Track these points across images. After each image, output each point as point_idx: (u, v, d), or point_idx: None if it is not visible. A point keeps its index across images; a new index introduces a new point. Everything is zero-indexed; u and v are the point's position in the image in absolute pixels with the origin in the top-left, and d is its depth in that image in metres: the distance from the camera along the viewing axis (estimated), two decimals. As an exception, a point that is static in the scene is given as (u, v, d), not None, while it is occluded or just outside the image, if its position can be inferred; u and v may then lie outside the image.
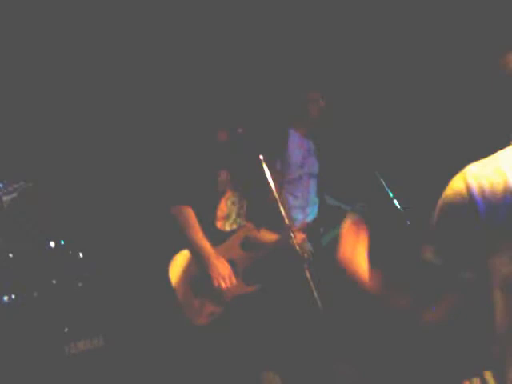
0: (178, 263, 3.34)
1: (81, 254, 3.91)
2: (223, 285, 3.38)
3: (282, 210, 3.30)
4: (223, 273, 3.37)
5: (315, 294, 3.19)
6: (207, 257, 3.37)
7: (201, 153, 3.46)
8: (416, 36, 4.59)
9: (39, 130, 4.05)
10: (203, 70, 4.30)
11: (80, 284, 3.83)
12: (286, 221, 3.33)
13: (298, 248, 3.32)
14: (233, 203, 3.64)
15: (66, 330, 3.65)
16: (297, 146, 4.48)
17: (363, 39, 4.75)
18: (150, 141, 4.18)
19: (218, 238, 3.52)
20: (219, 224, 3.58)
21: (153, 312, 3.39)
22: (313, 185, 4.59)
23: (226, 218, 3.61)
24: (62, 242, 3.85)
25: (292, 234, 3.44)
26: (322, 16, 4.68)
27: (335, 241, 4.72)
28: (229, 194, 3.62)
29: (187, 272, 3.35)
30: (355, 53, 4.76)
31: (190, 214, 3.37)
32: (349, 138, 4.71)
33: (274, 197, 3.26)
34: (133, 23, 4.23)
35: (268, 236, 3.68)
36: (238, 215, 3.67)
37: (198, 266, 3.37)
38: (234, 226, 3.66)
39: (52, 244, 3.84)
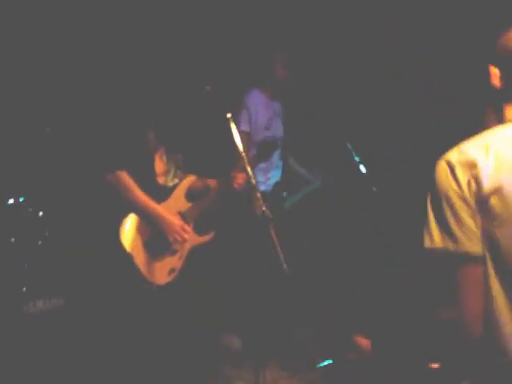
0: (129, 228, 3.28)
1: (41, 212, 3.80)
2: (178, 237, 3.35)
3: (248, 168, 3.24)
4: (175, 226, 3.33)
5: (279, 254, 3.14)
6: (155, 214, 3.33)
7: (124, 114, 3.40)
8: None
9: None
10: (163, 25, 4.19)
11: (40, 242, 3.73)
12: (252, 180, 3.26)
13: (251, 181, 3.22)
14: (168, 158, 3.62)
15: (24, 289, 3.56)
16: (262, 108, 4.43)
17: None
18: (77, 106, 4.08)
19: (162, 193, 3.50)
20: (161, 180, 3.56)
21: (111, 273, 3.31)
22: (277, 148, 4.54)
23: (166, 173, 3.59)
24: (21, 200, 3.74)
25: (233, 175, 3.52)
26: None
27: (297, 206, 4.79)
28: (161, 149, 3.57)
29: (139, 235, 3.30)
30: (329, 12, 4.70)
31: (126, 178, 3.30)
32: (317, 100, 4.68)
33: (242, 156, 3.20)
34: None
35: (210, 183, 3.71)
36: (177, 168, 3.65)
37: (149, 227, 3.32)
38: (176, 180, 3.64)
39: (11, 201, 3.73)
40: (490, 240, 1.61)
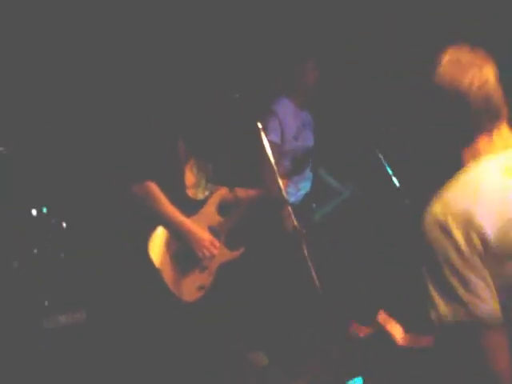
0: (157, 242, 3.14)
1: (64, 224, 3.70)
2: (206, 252, 3.21)
3: (279, 181, 3.11)
4: (204, 241, 3.20)
5: (311, 270, 3.01)
6: (183, 228, 3.19)
7: (154, 122, 3.27)
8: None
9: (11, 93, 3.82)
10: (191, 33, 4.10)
11: (62, 255, 3.62)
12: (283, 193, 3.13)
13: (282, 195, 3.10)
14: (199, 170, 3.47)
15: (46, 303, 3.45)
16: (291, 117, 4.30)
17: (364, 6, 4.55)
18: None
19: (192, 207, 3.35)
20: (191, 193, 3.40)
21: (138, 288, 3.17)
22: (307, 158, 4.40)
23: (196, 185, 3.44)
24: (45, 210, 3.64)
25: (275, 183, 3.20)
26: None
27: (327, 217, 4.64)
28: (192, 161, 3.43)
29: (168, 249, 3.16)
30: (356, 21, 4.57)
31: (155, 189, 3.16)
32: (348, 111, 4.53)
33: (272, 167, 3.07)
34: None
35: (244, 193, 3.56)
36: (208, 180, 3.51)
37: (178, 242, 3.18)
38: (207, 193, 3.48)
39: (34, 212, 3.63)
40: (506, 290, 1.41)
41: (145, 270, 3.08)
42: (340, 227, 4.81)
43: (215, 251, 3.24)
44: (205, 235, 3.23)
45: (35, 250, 3.50)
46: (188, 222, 3.20)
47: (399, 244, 4.48)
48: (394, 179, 4.21)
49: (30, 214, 3.62)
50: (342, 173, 4.73)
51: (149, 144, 3.20)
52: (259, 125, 3.21)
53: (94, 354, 3.52)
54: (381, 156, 4.22)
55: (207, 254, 3.20)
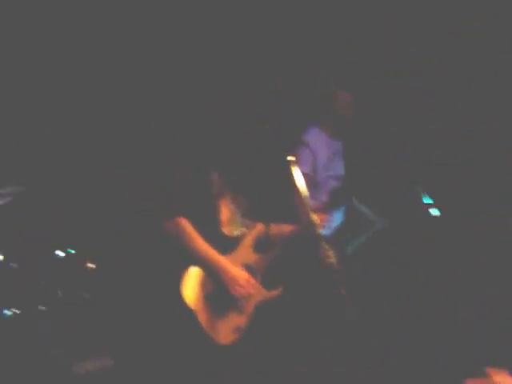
0: (190, 282, 2.97)
1: (90, 265, 3.58)
2: (242, 292, 3.04)
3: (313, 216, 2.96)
4: (239, 280, 3.03)
5: (347, 306, 2.85)
6: (217, 266, 3.02)
7: (186, 155, 3.13)
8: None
9: (36, 132, 3.75)
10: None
11: (87, 296, 3.49)
12: (318, 229, 2.98)
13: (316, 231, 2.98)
14: (233, 204, 3.30)
15: (72, 347, 3.31)
16: (323, 146, 4.15)
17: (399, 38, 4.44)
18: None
19: (227, 244, 3.16)
20: (226, 230, 3.22)
21: (169, 331, 3.01)
22: (338, 189, 4.24)
23: (231, 221, 3.27)
24: (72, 251, 3.53)
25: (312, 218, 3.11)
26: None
27: (360, 250, 4.45)
28: (227, 195, 3.27)
29: (202, 289, 2.99)
30: (391, 51, 4.44)
31: (187, 226, 3.01)
32: (383, 140, 4.39)
33: (305, 201, 2.92)
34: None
35: (280, 230, 3.36)
36: (243, 216, 3.33)
37: (212, 280, 3.02)
38: (243, 229, 3.30)
39: (59, 253, 3.51)
40: None
41: (178, 311, 2.93)
42: (375, 260, 4.61)
43: (251, 290, 3.07)
44: (240, 273, 3.07)
45: (59, 292, 3.36)
46: (222, 260, 3.05)
47: (439, 279, 4.29)
48: (434, 209, 4.04)
49: (56, 255, 3.50)
50: (375, 203, 4.56)
51: (179, 178, 3.06)
52: (291, 158, 3.08)
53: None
54: (417, 185, 4.06)
55: (243, 293, 3.04)
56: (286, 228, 3.36)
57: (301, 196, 2.99)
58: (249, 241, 3.24)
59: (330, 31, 4.49)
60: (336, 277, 2.84)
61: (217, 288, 3.03)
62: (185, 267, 2.96)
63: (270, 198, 3.62)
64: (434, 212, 4.01)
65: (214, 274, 3.01)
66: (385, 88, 4.47)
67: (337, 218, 4.28)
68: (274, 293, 3.22)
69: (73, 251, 3.50)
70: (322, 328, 3.69)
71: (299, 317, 3.69)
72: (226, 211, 3.23)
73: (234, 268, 3.05)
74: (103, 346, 3.44)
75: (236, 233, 3.24)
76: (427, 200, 4.04)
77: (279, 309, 3.28)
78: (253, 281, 3.08)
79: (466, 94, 4.27)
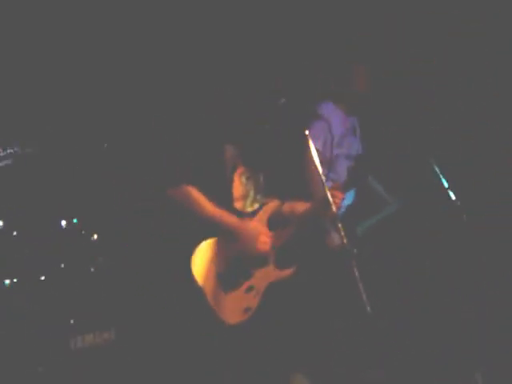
0: (200, 258, 2.85)
1: (95, 236, 3.46)
2: (267, 246, 2.95)
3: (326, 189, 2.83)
4: (259, 234, 2.94)
5: (361, 292, 2.71)
6: (234, 227, 2.93)
7: (201, 125, 3.00)
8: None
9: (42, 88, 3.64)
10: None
11: (92, 269, 3.38)
12: (333, 208, 2.84)
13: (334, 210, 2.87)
14: (248, 179, 3.18)
15: (71, 321, 3.20)
16: (337, 123, 3.98)
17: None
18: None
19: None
20: (238, 205, 3.10)
21: (177, 308, 2.90)
22: (350, 167, 4.09)
23: (244, 197, 3.14)
24: (75, 221, 3.41)
25: (328, 198, 2.91)
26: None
27: (371, 232, 4.29)
28: (241, 169, 3.15)
29: (213, 267, 2.87)
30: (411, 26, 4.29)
31: (195, 193, 2.90)
32: (400, 117, 4.22)
33: (320, 177, 2.79)
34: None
35: (296, 207, 3.24)
36: (257, 192, 3.21)
37: (225, 258, 2.89)
38: (256, 205, 3.18)
39: (63, 223, 3.39)
40: None
41: (186, 287, 2.81)
42: (385, 244, 4.46)
43: (270, 243, 2.98)
44: (259, 228, 2.98)
45: (62, 265, 3.25)
46: (235, 220, 2.94)
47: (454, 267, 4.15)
48: (451, 192, 3.88)
49: (60, 224, 3.38)
50: (392, 184, 4.40)
51: (189, 146, 2.93)
52: (307, 132, 2.94)
53: (124, 376, 3.26)
54: (436, 166, 3.90)
55: (266, 247, 2.93)
56: (300, 206, 3.24)
57: (316, 172, 2.85)
58: (262, 217, 3.11)
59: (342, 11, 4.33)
60: (350, 260, 2.70)
61: (230, 266, 2.91)
62: (196, 242, 2.84)
63: (284, 174, 3.49)
64: (453, 195, 3.84)
65: (229, 236, 2.91)
66: (403, 64, 4.31)
67: (348, 198, 4.14)
68: (287, 272, 3.09)
69: (75, 221, 3.37)
70: (333, 311, 3.57)
71: (310, 298, 3.56)
72: (239, 186, 3.11)
73: (251, 224, 2.96)
74: (107, 321, 3.33)
75: (249, 209, 3.12)
76: (446, 183, 3.86)
77: (291, 289, 3.15)
78: (269, 234, 2.98)
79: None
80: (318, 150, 3.74)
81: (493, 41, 4.15)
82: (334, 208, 2.87)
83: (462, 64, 4.25)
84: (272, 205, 3.16)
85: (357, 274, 2.72)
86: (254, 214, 3.12)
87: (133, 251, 3.51)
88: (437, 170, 3.88)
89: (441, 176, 3.88)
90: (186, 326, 2.94)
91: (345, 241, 2.77)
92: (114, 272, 3.45)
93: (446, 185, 3.87)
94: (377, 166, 4.33)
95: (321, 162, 3.70)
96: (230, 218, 2.94)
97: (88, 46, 3.88)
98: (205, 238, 2.88)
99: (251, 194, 3.16)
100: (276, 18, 4.12)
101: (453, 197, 3.86)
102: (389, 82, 4.15)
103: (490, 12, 4.11)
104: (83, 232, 3.42)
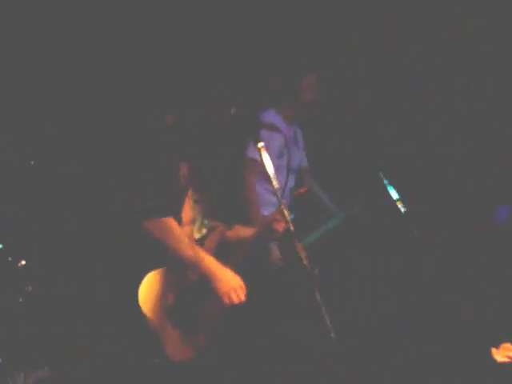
0: (148, 288, 2.59)
1: (23, 261, 3.13)
2: (235, 299, 2.68)
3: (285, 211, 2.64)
4: (233, 284, 2.67)
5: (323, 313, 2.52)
6: (209, 269, 2.67)
7: (155, 145, 2.73)
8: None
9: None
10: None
11: (20, 299, 3.04)
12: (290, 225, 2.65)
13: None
14: (195, 202, 2.95)
15: None
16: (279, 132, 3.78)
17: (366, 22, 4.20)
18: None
19: None
20: (186, 231, 2.86)
21: (117, 340, 2.63)
22: (291, 179, 3.90)
23: (192, 222, 2.90)
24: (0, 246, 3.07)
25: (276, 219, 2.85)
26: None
27: (315, 246, 4.10)
28: (190, 191, 2.93)
29: (162, 298, 2.61)
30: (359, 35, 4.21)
31: (174, 225, 2.65)
32: (347, 128, 4.09)
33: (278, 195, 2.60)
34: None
35: (244, 231, 3.04)
36: (204, 216, 2.97)
37: (174, 290, 2.65)
38: (204, 231, 2.97)
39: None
40: None
41: (132, 318, 2.54)
42: (331, 259, 4.27)
43: (243, 298, 2.71)
44: (235, 279, 2.71)
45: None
46: (214, 262, 2.69)
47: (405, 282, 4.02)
48: (400, 204, 3.75)
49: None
50: (336, 193, 4.24)
51: (152, 170, 2.66)
52: (260, 144, 2.73)
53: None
54: (383, 176, 3.76)
55: (237, 301, 2.68)
56: (244, 231, 3.03)
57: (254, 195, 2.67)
58: (211, 244, 2.88)
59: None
60: (312, 282, 2.51)
61: (179, 300, 2.65)
62: (141, 271, 2.57)
63: (229, 196, 3.27)
64: (402, 207, 3.71)
65: (203, 276, 2.65)
66: (350, 70, 4.20)
67: (290, 211, 3.94)
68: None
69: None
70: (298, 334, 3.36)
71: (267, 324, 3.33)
72: (188, 209, 2.86)
73: (228, 272, 2.70)
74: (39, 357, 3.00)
75: (197, 235, 2.89)
76: (394, 194, 3.73)
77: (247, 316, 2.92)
78: (244, 288, 2.73)
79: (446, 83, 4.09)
80: (254, 160, 3.56)
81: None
82: (278, 233, 2.79)
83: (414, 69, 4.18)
84: (218, 231, 2.94)
85: (318, 297, 2.54)
86: (201, 240, 2.91)
87: (69, 278, 3.19)
88: (385, 181, 3.76)
89: (389, 187, 3.76)
90: (130, 360, 2.68)
91: (305, 262, 2.58)
92: (44, 302, 3.11)
93: (395, 196, 3.75)
94: (321, 176, 4.16)
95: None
96: (210, 260, 2.70)
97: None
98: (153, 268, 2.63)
99: (199, 218, 2.93)
100: (224, 26, 3.92)
101: (402, 209, 3.75)
102: (336, 90, 4.00)
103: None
104: (9, 258, 3.07)
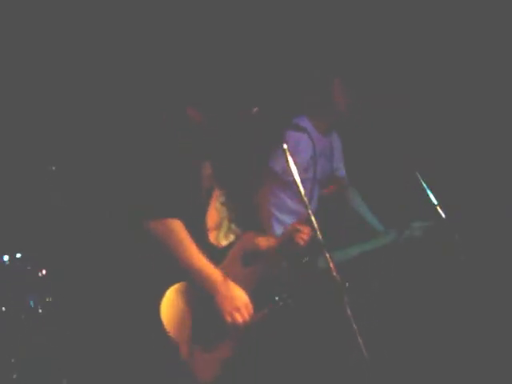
0: (171, 302, 2.41)
1: (44, 271, 3.02)
2: (239, 319, 2.46)
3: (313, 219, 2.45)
4: (237, 302, 2.46)
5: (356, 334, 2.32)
6: (212, 282, 2.45)
7: (176, 142, 2.55)
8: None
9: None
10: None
11: (40, 310, 2.92)
12: (318, 234, 2.46)
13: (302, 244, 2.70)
14: (222, 205, 2.75)
15: (14, 376, 2.74)
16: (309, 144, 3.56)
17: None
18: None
19: (214, 256, 2.56)
20: (212, 237, 2.66)
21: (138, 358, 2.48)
22: (315, 191, 3.64)
23: (219, 227, 2.70)
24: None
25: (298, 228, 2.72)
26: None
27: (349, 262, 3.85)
28: (216, 192, 2.72)
29: (185, 313, 2.42)
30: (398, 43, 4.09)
31: (180, 228, 2.45)
32: (382, 136, 3.89)
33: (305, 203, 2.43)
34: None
35: (268, 241, 2.82)
36: (232, 221, 2.78)
37: (200, 302, 2.46)
38: (231, 237, 2.75)
39: (5, 258, 2.96)
40: None
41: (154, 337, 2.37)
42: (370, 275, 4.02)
43: (248, 319, 2.48)
44: (241, 296, 2.48)
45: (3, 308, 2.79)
46: (217, 273, 2.47)
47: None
48: (440, 210, 3.53)
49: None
50: (378, 206, 4.01)
51: (170, 168, 2.48)
52: (285, 146, 2.56)
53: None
54: (423, 182, 3.55)
55: (239, 322, 2.47)
56: (272, 240, 2.84)
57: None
58: (237, 252, 2.68)
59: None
60: (341, 295, 2.32)
61: (204, 313, 2.46)
62: (166, 284, 2.39)
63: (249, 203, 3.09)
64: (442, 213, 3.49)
65: (205, 290, 2.45)
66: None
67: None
68: (263, 314, 2.63)
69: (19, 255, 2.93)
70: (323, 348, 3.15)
71: (298, 338, 3.11)
72: (214, 213, 2.67)
73: (235, 289, 2.49)
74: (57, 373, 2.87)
75: (223, 242, 2.68)
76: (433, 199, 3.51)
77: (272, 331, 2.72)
78: (250, 306, 2.50)
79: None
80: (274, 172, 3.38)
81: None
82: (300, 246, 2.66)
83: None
84: (248, 236, 2.75)
85: (349, 312, 2.35)
86: (228, 249, 2.69)
87: (89, 291, 3.07)
88: (425, 186, 3.55)
89: (428, 192, 3.54)
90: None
91: (335, 273, 2.38)
92: (63, 314, 2.99)
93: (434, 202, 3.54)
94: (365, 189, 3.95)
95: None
96: (212, 272, 2.49)
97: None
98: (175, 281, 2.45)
99: (225, 222, 2.74)
100: (249, 27, 3.80)
101: (442, 214, 3.53)
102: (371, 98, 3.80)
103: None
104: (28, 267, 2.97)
